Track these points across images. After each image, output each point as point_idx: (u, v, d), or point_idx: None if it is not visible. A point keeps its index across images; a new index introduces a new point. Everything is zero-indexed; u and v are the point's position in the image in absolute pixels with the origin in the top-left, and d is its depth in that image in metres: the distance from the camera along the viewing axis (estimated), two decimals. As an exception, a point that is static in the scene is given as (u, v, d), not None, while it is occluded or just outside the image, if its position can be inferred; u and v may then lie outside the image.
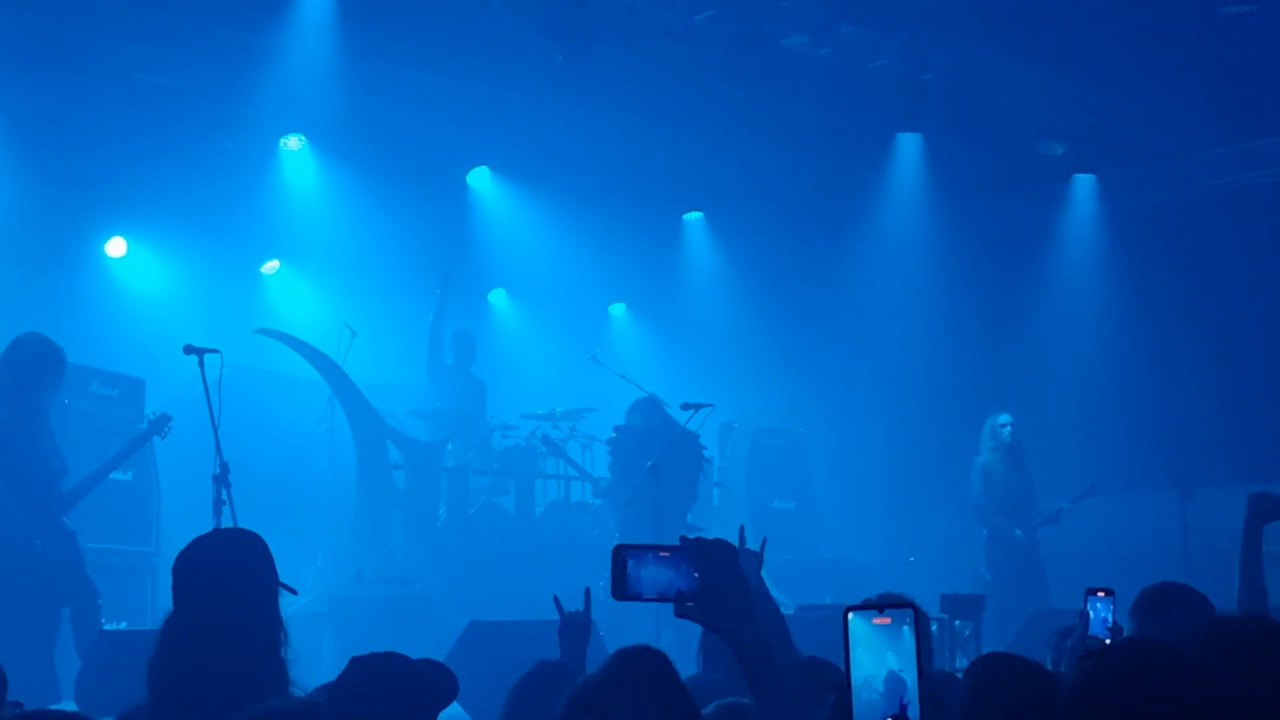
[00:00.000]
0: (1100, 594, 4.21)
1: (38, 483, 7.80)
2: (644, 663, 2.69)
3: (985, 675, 3.26)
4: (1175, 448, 12.26)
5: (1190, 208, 14.84)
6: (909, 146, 14.71)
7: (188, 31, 11.87)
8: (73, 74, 11.59)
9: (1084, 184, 15.46)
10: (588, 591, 4.75)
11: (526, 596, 11.05)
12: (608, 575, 9.74)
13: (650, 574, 2.53)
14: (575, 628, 4.62)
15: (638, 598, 2.56)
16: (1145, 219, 15.13)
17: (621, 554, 2.57)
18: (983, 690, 3.20)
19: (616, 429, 11.47)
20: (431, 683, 3.43)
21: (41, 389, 7.81)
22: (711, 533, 12.07)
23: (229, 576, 3.50)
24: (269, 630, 3.50)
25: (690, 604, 2.53)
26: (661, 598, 2.55)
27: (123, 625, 9.17)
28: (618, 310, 16.80)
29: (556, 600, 4.74)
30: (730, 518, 13.59)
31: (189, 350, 7.73)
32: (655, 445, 10.67)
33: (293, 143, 13.65)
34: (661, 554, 2.55)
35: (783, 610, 8.46)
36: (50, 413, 7.99)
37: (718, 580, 2.51)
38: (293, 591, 3.67)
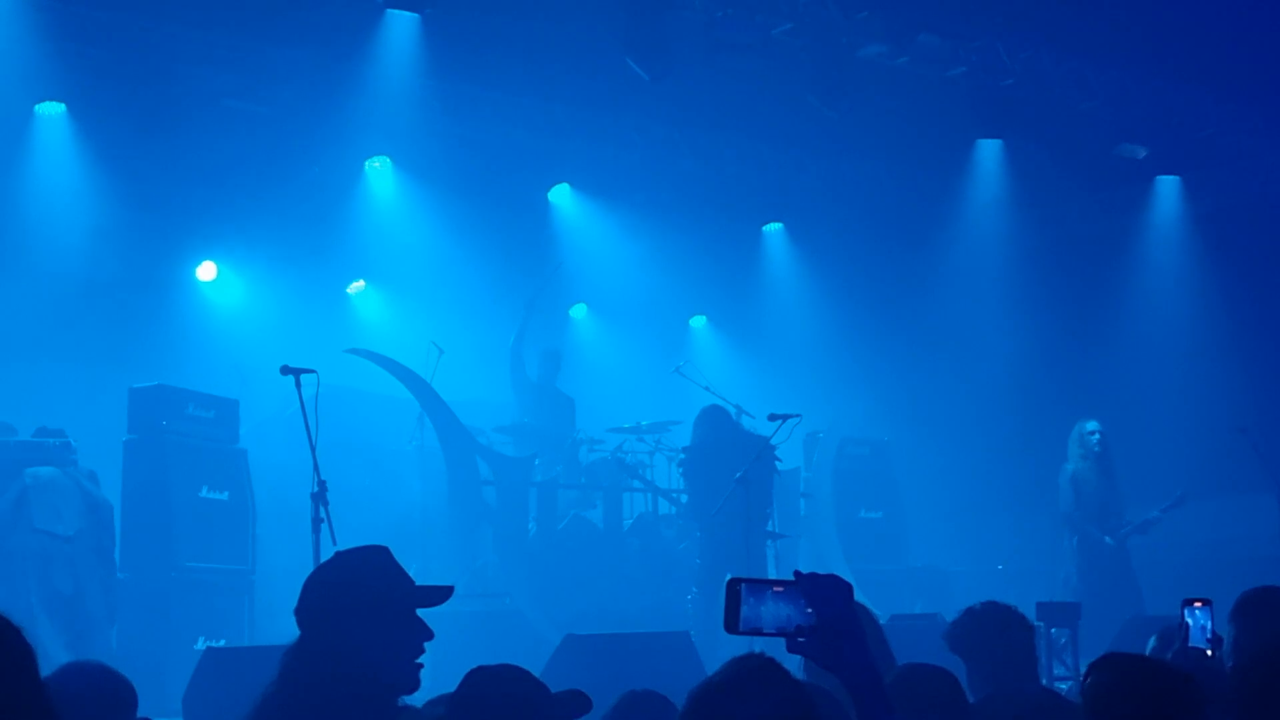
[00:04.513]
0: (1197, 604, 4.19)
1: None
2: (762, 665, 2.67)
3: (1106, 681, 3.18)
4: (1272, 449, 12.03)
5: (1277, 205, 14.61)
6: (989, 153, 14.62)
7: (274, 59, 12.10)
8: (163, 103, 11.87)
9: (1168, 186, 15.28)
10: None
11: (616, 609, 11.11)
12: (695, 588, 9.65)
13: (769, 610, 2.48)
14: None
15: (756, 633, 2.51)
16: (1231, 219, 14.90)
17: (736, 588, 2.50)
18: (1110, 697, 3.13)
19: (684, 450, 11.48)
20: (557, 697, 3.37)
21: None
22: (799, 543, 11.91)
23: (373, 595, 3.40)
24: (413, 644, 3.43)
25: (802, 640, 2.51)
26: (780, 633, 2.51)
27: (222, 642, 9.35)
28: (699, 323, 16.84)
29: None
30: (817, 528, 13.57)
31: (286, 370, 7.75)
32: (729, 455, 10.65)
33: (377, 165, 13.88)
34: (777, 589, 2.50)
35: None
36: None
37: (834, 616, 2.50)
38: (445, 592, 3.55)
